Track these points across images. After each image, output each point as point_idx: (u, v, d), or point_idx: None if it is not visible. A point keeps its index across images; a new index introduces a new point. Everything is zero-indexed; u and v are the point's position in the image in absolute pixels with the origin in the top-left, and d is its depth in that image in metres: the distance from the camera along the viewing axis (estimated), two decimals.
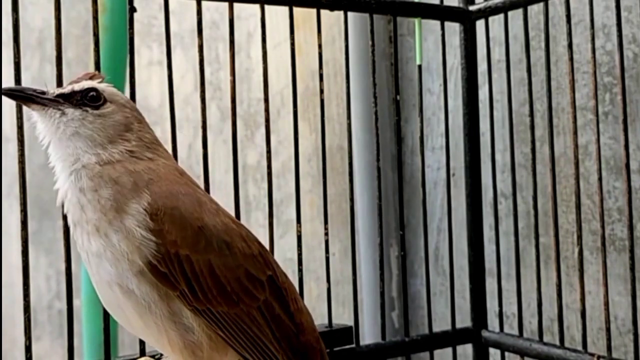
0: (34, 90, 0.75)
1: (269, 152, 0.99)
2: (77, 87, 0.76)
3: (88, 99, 0.75)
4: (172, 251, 0.70)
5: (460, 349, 1.19)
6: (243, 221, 0.99)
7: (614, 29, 0.99)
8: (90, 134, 0.74)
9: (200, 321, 0.71)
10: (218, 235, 0.73)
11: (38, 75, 2.42)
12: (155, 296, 0.70)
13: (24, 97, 0.75)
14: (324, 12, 1.05)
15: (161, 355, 0.87)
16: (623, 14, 1.04)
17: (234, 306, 0.72)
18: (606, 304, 0.96)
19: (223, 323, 0.72)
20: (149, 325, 0.71)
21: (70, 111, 0.74)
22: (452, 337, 1.15)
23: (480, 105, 1.20)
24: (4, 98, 0.76)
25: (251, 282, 0.74)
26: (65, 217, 0.79)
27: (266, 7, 0.99)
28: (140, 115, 0.79)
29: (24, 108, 0.85)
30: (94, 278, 0.73)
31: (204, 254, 0.71)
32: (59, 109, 0.74)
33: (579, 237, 1.00)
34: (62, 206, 0.75)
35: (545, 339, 1.09)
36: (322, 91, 1.03)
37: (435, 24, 1.20)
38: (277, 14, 1.53)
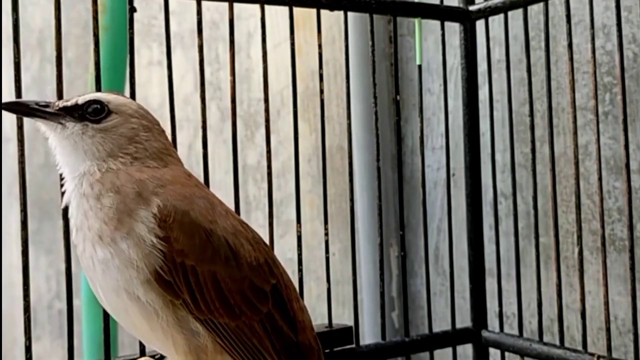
0: (37, 103, 0.75)
1: (269, 152, 0.99)
2: (81, 99, 0.75)
3: (90, 112, 0.74)
4: (178, 260, 0.70)
5: (460, 349, 1.19)
6: None
7: (614, 29, 0.99)
8: (89, 148, 0.74)
9: (205, 327, 0.72)
10: (226, 242, 0.72)
11: (38, 75, 2.41)
12: (161, 303, 0.70)
13: (24, 111, 0.75)
14: (324, 12, 1.05)
15: (161, 356, 0.87)
16: (623, 14, 1.04)
17: (235, 319, 0.72)
18: (606, 304, 0.96)
19: (224, 334, 0.72)
20: (155, 329, 0.71)
21: (71, 125, 0.74)
22: (452, 337, 1.15)
23: (480, 105, 1.20)
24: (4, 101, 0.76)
25: (255, 295, 0.74)
26: (65, 217, 0.79)
27: (266, 7, 0.99)
28: (151, 122, 0.77)
29: None
30: (98, 284, 0.72)
31: (210, 265, 0.71)
32: (60, 123, 0.74)
33: (579, 237, 1.00)
34: (66, 209, 0.75)
35: (545, 339, 1.09)
36: (322, 91, 1.03)
37: (435, 24, 1.20)
38: (277, 14, 1.53)
